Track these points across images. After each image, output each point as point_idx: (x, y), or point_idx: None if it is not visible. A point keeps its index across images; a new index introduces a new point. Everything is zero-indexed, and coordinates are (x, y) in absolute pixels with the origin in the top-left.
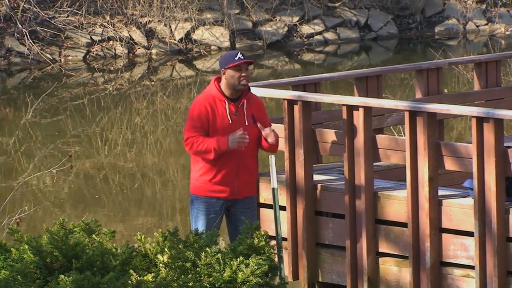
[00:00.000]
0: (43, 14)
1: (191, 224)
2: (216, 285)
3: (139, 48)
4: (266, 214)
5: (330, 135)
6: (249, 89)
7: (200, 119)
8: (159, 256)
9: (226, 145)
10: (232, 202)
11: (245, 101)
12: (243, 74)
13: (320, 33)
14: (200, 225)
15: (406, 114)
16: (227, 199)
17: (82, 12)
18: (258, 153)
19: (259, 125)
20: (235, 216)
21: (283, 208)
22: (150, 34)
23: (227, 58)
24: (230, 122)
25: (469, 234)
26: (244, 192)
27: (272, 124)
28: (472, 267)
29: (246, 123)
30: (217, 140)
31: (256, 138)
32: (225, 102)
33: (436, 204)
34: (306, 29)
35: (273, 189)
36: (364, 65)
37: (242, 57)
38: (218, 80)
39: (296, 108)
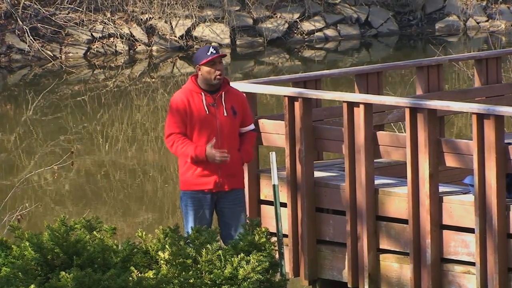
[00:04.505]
0: (44, 11)
1: (183, 221)
2: (217, 282)
3: (139, 45)
4: (267, 211)
5: (330, 132)
6: (228, 83)
7: (179, 113)
8: (160, 253)
9: (203, 155)
10: (218, 195)
11: (223, 93)
12: (218, 69)
13: (320, 29)
14: (190, 220)
15: (407, 111)
16: (212, 191)
17: (83, 9)
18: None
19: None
20: (223, 213)
21: (283, 204)
22: (150, 31)
23: (200, 54)
24: (207, 113)
25: (470, 230)
26: (229, 184)
27: (272, 121)
28: (472, 264)
29: (225, 114)
30: (195, 148)
31: (237, 130)
32: (201, 94)
33: (436, 201)
34: (306, 26)
35: (274, 185)
36: (365, 62)
37: (215, 52)
38: (195, 77)
39: (297, 104)
